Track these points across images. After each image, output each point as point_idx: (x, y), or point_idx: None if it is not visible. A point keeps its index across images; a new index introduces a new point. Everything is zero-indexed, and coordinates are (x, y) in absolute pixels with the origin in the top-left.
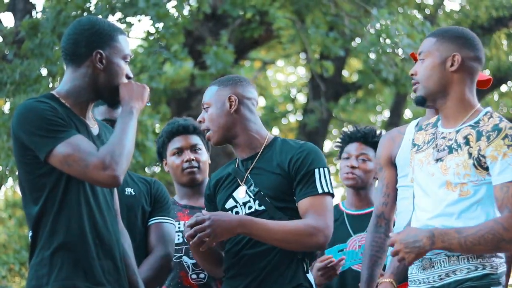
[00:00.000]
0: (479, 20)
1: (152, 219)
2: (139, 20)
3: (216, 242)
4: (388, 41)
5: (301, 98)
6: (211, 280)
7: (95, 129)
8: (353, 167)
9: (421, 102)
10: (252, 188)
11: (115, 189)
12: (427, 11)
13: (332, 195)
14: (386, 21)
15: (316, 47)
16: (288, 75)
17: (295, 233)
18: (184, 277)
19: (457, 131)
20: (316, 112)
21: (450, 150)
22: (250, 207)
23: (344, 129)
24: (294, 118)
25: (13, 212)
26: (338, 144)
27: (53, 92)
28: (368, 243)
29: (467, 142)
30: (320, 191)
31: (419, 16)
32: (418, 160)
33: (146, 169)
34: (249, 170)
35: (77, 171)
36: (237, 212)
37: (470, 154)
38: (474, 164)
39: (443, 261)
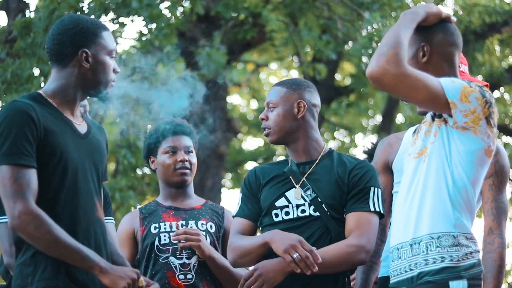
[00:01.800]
0: (472, 26)
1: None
2: (132, 21)
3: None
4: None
5: None
6: (198, 281)
7: (82, 127)
8: None
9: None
10: (309, 192)
11: (102, 188)
12: None
13: (381, 216)
14: (378, 25)
15: (308, 50)
16: (281, 78)
17: (340, 257)
18: (171, 277)
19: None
20: None
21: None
22: (303, 211)
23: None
24: None
25: None
26: None
27: (40, 91)
28: None
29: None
30: (372, 209)
31: None
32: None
33: (138, 170)
34: (306, 174)
35: (3, 195)
36: (287, 213)
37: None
38: (432, 116)
39: (406, 252)
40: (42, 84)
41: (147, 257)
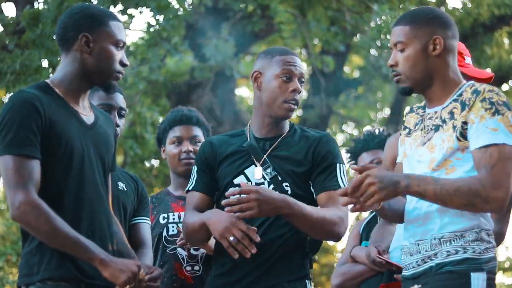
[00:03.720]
0: (481, 18)
1: (137, 218)
2: (140, 12)
3: (254, 217)
4: (388, 36)
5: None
6: (205, 272)
7: (89, 117)
8: None
9: (408, 93)
10: (269, 170)
11: (109, 180)
12: None
13: None
14: (387, 16)
15: (317, 42)
16: None
17: (324, 220)
18: (178, 269)
19: (443, 108)
20: (316, 107)
21: (436, 128)
22: None
23: (345, 148)
24: (294, 114)
25: None
26: (353, 163)
27: (48, 80)
28: (373, 237)
29: (452, 116)
30: (342, 186)
31: None
32: (409, 144)
33: (146, 162)
34: (268, 152)
35: (4, 183)
36: None
37: (454, 127)
38: (457, 136)
39: (426, 245)
40: (51, 76)
41: (155, 247)
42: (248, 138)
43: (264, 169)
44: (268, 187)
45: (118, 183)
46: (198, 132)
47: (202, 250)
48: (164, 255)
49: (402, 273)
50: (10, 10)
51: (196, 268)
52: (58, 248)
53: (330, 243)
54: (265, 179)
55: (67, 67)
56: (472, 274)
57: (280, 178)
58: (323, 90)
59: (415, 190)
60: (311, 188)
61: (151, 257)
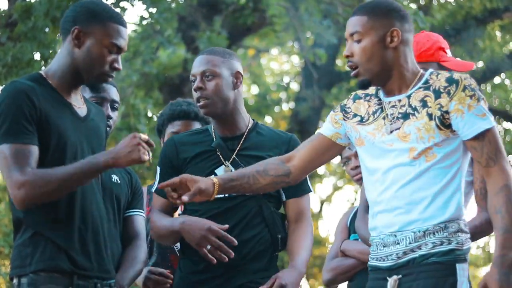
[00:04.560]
0: (473, 11)
1: (131, 210)
2: (133, 5)
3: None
4: None
5: (294, 86)
6: None
7: (82, 110)
8: (356, 167)
9: (366, 86)
10: None
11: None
12: (422, 1)
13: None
14: None
15: (309, 35)
16: (281, 64)
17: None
18: (174, 260)
19: (409, 96)
20: (309, 100)
21: (405, 116)
22: None
23: None
24: (286, 106)
25: (4, 196)
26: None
27: (42, 72)
28: (363, 227)
29: (424, 104)
30: (310, 189)
31: (412, 6)
32: (368, 133)
33: None
34: (236, 151)
35: (3, 174)
36: None
37: (430, 115)
38: (437, 125)
39: (409, 237)
40: (43, 68)
41: (151, 239)
42: (214, 138)
43: (236, 169)
44: None
45: (112, 175)
46: (197, 126)
47: None
48: (160, 247)
49: (372, 263)
50: (2, 3)
51: None
52: (74, 189)
53: (322, 234)
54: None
55: (61, 60)
56: (457, 265)
57: None
58: (316, 83)
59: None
60: (281, 189)
61: (145, 250)
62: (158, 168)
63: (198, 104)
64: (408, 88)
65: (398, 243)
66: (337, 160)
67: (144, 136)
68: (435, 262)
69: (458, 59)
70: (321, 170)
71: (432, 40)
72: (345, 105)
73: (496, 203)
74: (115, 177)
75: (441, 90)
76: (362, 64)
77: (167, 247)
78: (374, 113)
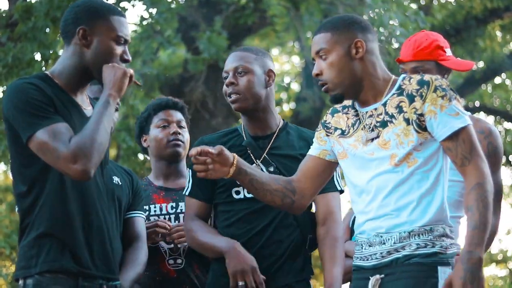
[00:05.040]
0: (474, 11)
1: (132, 212)
2: (133, 5)
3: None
4: (382, 29)
5: (295, 87)
6: (188, 265)
7: (88, 111)
8: None
9: (340, 100)
10: (271, 169)
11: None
12: (422, 2)
13: (342, 192)
14: (380, 9)
15: (310, 35)
16: (282, 64)
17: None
18: (161, 262)
19: (384, 104)
20: (309, 100)
21: (383, 124)
22: None
23: None
24: (287, 107)
25: (4, 197)
26: None
27: (47, 71)
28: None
29: (400, 110)
30: (338, 188)
31: (413, 6)
32: (349, 145)
33: (139, 155)
34: (266, 150)
35: (50, 160)
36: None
37: (407, 120)
38: (414, 129)
39: (394, 237)
40: (43, 69)
41: None
42: (244, 137)
43: (266, 168)
44: None
45: (113, 177)
46: (182, 117)
47: (185, 244)
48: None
49: (356, 263)
50: (2, 3)
51: (179, 261)
52: (109, 132)
53: None
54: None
55: (67, 60)
56: (439, 267)
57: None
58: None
59: (482, 250)
60: None
61: (146, 251)
62: (189, 170)
63: (229, 99)
64: (382, 96)
65: (384, 243)
66: None
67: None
68: (418, 262)
69: (458, 58)
70: None
71: (430, 38)
72: (325, 121)
73: (469, 201)
74: (116, 179)
75: (414, 93)
76: (332, 80)
77: (153, 248)
78: (353, 125)
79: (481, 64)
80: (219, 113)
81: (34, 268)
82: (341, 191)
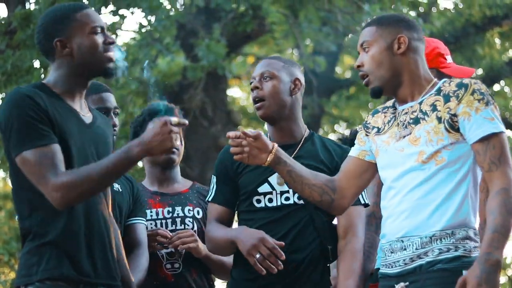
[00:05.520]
0: (473, 19)
1: (132, 218)
2: (132, 13)
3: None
4: None
5: None
6: (186, 270)
7: (87, 117)
8: None
9: (378, 93)
10: None
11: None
12: (421, 9)
13: (367, 206)
14: None
15: (308, 42)
16: None
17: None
18: (158, 267)
19: (420, 103)
20: (308, 107)
21: (416, 121)
22: (287, 198)
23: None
24: None
25: (4, 204)
26: None
27: (44, 81)
28: None
29: (434, 108)
30: (362, 202)
31: (412, 13)
32: (382, 142)
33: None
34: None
35: (34, 182)
36: (270, 199)
37: (439, 118)
38: (445, 128)
39: (415, 243)
40: (42, 76)
41: None
42: None
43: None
44: (293, 195)
45: (114, 184)
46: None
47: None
48: None
49: (382, 271)
50: (1, 11)
51: (176, 265)
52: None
53: None
54: (289, 187)
55: (58, 71)
56: (464, 272)
57: None
58: (315, 90)
59: (500, 253)
60: None
61: (147, 258)
62: (214, 177)
63: (255, 105)
64: (420, 95)
65: (405, 249)
66: None
67: (175, 119)
68: (441, 269)
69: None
70: None
71: (431, 46)
72: (366, 121)
73: (492, 205)
74: (116, 186)
75: (451, 94)
76: (372, 72)
77: (151, 253)
78: (388, 122)
79: (480, 71)
80: (218, 120)
81: (35, 275)
82: (366, 205)
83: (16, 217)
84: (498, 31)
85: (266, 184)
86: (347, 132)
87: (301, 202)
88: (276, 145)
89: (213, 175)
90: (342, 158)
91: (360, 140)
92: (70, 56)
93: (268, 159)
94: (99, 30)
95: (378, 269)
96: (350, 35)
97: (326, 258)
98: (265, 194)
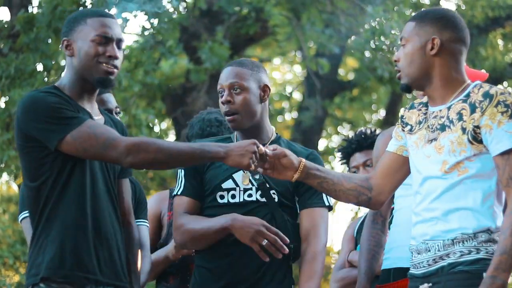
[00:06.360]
0: (475, 20)
1: (135, 221)
2: (135, 16)
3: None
4: (383, 38)
5: (297, 96)
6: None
7: (99, 119)
8: None
9: (406, 89)
10: (257, 177)
11: (125, 184)
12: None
13: (331, 208)
14: (381, 19)
15: (311, 44)
16: (284, 73)
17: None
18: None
19: (449, 108)
20: (312, 109)
21: (443, 127)
22: (250, 195)
23: (337, 149)
24: (289, 116)
25: (7, 207)
26: (343, 162)
27: (56, 84)
28: (365, 238)
29: (460, 117)
30: (326, 203)
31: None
32: (413, 142)
33: None
34: None
35: (98, 149)
36: (233, 196)
37: (464, 129)
38: (468, 139)
39: (437, 245)
40: (46, 79)
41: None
42: None
43: (252, 175)
44: (256, 193)
45: None
46: None
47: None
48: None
49: (410, 271)
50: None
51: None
52: (182, 165)
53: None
54: (252, 184)
55: (66, 73)
56: (485, 274)
57: (268, 185)
58: (318, 92)
59: (506, 276)
60: (296, 203)
61: (149, 260)
62: (182, 171)
63: (227, 117)
64: (450, 99)
65: (429, 250)
66: (340, 168)
67: (262, 148)
68: (462, 271)
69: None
70: None
71: None
72: (402, 115)
73: (505, 224)
74: None
75: (476, 104)
76: (404, 69)
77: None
78: (419, 122)
79: (483, 71)
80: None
81: (39, 275)
82: (329, 207)
83: (19, 219)
84: (501, 32)
85: (230, 180)
86: (351, 134)
87: (263, 200)
88: (304, 161)
89: (180, 170)
90: (307, 158)
91: (397, 134)
92: (73, 57)
93: (294, 177)
94: (103, 40)
95: (385, 270)
96: (353, 37)
97: (289, 257)
98: (228, 190)
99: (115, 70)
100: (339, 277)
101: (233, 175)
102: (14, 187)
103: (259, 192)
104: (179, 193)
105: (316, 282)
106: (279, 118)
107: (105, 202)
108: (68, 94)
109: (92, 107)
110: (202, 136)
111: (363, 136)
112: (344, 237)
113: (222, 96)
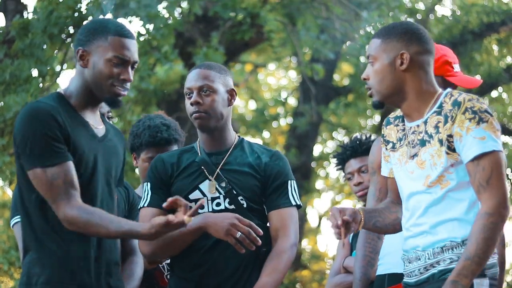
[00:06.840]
0: (470, 26)
1: None
2: (130, 22)
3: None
4: None
5: (292, 102)
6: None
7: (100, 130)
8: (359, 184)
9: (379, 106)
10: (223, 184)
11: (115, 194)
12: (419, 16)
13: (299, 207)
14: (376, 24)
15: (306, 50)
16: (279, 79)
17: (287, 267)
18: (160, 277)
19: (425, 122)
20: (307, 115)
21: (423, 143)
22: (218, 204)
23: (332, 155)
24: (284, 122)
25: (2, 213)
26: (338, 168)
27: (61, 91)
28: (361, 244)
29: (437, 130)
30: (293, 203)
31: (410, 20)
32: (396, 160)
33: (136, 170)
34: (220, 166)
35: (46, 198)
36: (201, 206)
37: (441, 141)
38: (446, 151)
39: (427, 253)
40: (40, 85)
41: None
42: (199, 153)
43: (219, 183)
44: (224, 201)
45: None
46: (175, 147)
47: None
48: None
49: (404, 280)
50: None
51: None
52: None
53: (321, 249)
54: (220, 193)
55: (74, 80)
56: (475, 280)
57: (235, 192)
58: (313, 98)
59: (468, 281)
60: (264, 205)
61: (141, 266)
62: (148, 184)
63: (194, 115)
64: (425, 112)
65: (419, 259)
66: (335, 174)
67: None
68: None
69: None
70: (319, 185)
71: (439, 53)
72: (383, 134)
73: (473, 229)
74: None
75: (448, 113)
76: (375, 86)
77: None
78: (400, 139)
79: (478, 77)
80: None
81: (34, 286)
82: (298, 206)
83: (11, 224)
84: (496, 37)
85: (197, 191)
86: (346, 140)
87: (232, 207)
88: (361, 212)
89: (145, 183)
90: (270, 159)
91: (384, 155)
92: (85, 68)
93: (359, 227)
94: (120, 61)
95: (380, 275)
96: (348, 43)
97: (262, 261)
98: (196, 201)
99: (126, 93)
100: (334, 283)
101: (199, 185)
102: (9, 193)
103: (227, 200)
104: (145, 205)
105: (275, 278)
106: (274, 124)
107: (105, 209)
108: (73, 104)
109: (94, 117)
110: (155, 143)
111: (358, 142)
112: (339, 243)
113: (190, 98)
